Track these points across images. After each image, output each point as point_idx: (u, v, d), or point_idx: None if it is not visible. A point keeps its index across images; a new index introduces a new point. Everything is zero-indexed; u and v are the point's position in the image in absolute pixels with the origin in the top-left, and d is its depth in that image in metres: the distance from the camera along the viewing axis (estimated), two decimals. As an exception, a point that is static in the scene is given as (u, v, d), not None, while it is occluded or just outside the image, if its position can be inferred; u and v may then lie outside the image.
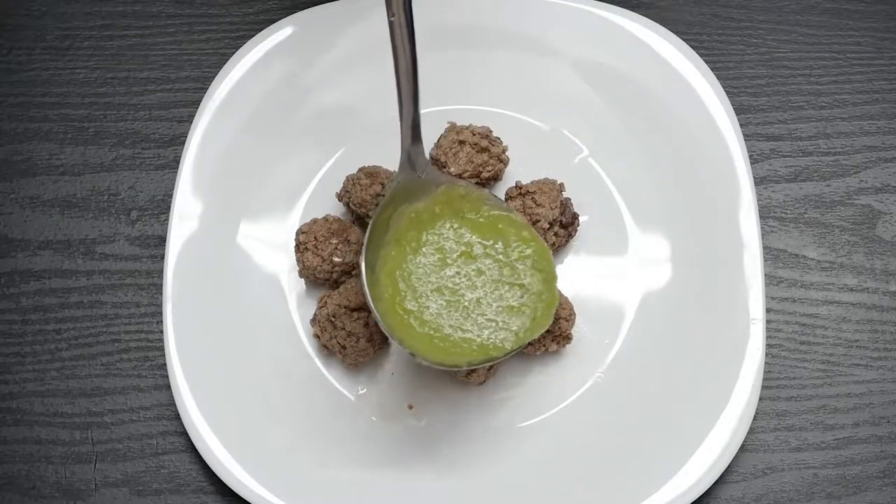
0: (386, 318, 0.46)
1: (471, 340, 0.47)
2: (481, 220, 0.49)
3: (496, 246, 0.49)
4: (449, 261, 0.48)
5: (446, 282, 0.48)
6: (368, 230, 0.47)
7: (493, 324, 0.47)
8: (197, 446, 0.53)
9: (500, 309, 0.47)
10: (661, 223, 0.58)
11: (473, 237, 0.49)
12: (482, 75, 0.61)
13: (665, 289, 0.56)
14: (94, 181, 0.61)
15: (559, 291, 0.54)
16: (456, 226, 0.49)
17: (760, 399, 0.54)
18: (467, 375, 0.53)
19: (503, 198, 0.57)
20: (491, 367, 0.53)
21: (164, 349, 0.55)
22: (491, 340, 0.47)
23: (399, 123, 0.49)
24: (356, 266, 0.50)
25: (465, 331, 0.47)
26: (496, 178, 0.58)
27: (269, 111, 0.60)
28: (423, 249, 0.48)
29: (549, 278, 0.49)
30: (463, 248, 0.49)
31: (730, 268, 0.55)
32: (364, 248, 0.47)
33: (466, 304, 0.47)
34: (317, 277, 0.55)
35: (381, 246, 0.48)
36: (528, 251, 0.49)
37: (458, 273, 0.48)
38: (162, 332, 0.56)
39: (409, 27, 0.47)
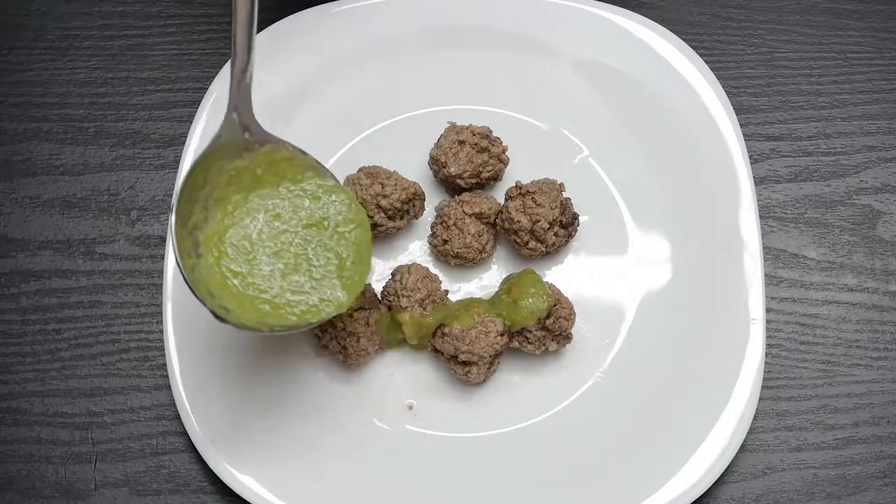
0: (198, 275, 0.45)
1: (296, 304, 0.46)
2: (309, 187, 0.49)
3: (326, 213, 0.49)
4: (284, 226, 0.48)
5: (282, 246, 0.47)
6: (182, 180, 0.46)
7: (323, 290, 0.47)
8: (197, 446, 0.53)
9: (327, 276, 0.47)
10: (661, 223, 0.58)
11: (306, 203, 0.48)
12: (482, 75, 0.61)
13: (665, 289, 0.56)
14: (94, 181, 0.61)
15: (559, 290, 0.54)
16: (289, 192, 0.48)
17: (760, 399, 0.54)
18: (466, 375, 0.53)
19: (503, 198, 0.57)
20: (491, 366, 0.53)
21: (164, 349, 0.55)
22: (315, 307, 0.47)
23: (230, 73, 0.47)
24: None
25: (296, 293, 0.47)
26: (496, 178, 0.58)
27: (269, 111, 0.60)
28: (257, 214, 0.47)
29: (364, 255, 0.49)
30: (296, 213, 0.48)
31: (730, 268, 0.55)
32: (176, 198, 0.45)
33: (304, 268, 0.47)
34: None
35: (195, 200, 0.46)
36: (351, 223, 0.49)
37: (294, 238, 0.48)
38: (162, 332, 0.56)
39: None
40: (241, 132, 0.48)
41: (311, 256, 0.48)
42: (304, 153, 0.49)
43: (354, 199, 0.50)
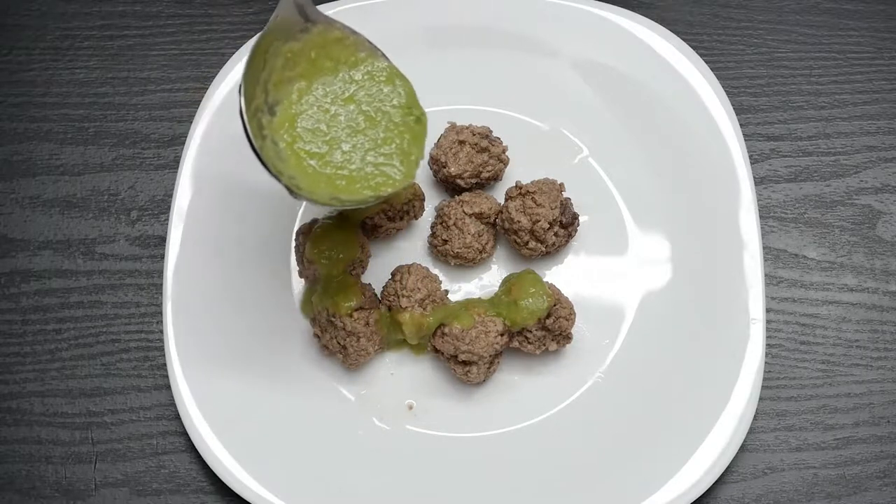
0: (266, 155, 0.47)
1: (372, 177, 0.48)
2: (368, 68, 0.51)
3: (382, 91, 0.51)
4: (365, 107, 0.50)
5: (366, 124, 0.49)
6: (247, 61, 0.47)
7: (388, 163, 0.49)
8: (197, 446, 0.53)
9: (393, 149, 0.49)
10: (661, 223, 0.58)
11: (381, 88, 0.50)
12: (482, 75, 0.61)
13: (665, 289, 0.56)
14: (94, 181, 0.61)
15: (559, 290, 0.54)
16: (351, 78, 0.50)
17: (760, 399, 0.54)
18: (466, 374, 0.53)
19: (503, 198, 0.57)
20: (491, 366, 0.53)
21: (164, 349, 0.55)
22: (391, 178, 0.49)
23: None
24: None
25: (380, 165, 0.49)
26: (496, 178, 0.58)
27: (269, 111, 0.60)
28: (326, 100, 0.49)
29: (421, 129, 0.50)
30: (370, 93, 0.50)
31: (730, 268, 0.55)
32: (243, 80, 0.46)
33: (395, 142, 0.49)
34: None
35: (256, 82, 0.48)
36: (405, 99, 0.51)
37: (377, 116, 0.50)
38: (162, 332, 0.56)
39: None
40: (297, 12, 0.49)
41: (402, 131, 0.50)
42: (354, 32, 0.51)
43: (409, 84, 0.51)
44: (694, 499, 0.51)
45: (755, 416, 0.53)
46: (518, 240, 0.55)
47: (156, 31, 0.66)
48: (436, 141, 0.58)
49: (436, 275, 0.56)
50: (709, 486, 0.51)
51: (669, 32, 0.61)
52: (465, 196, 0.57)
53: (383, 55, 0.51)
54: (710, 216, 0.57)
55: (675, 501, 0.50)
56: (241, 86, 0.46)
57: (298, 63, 0.49)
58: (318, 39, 0.50)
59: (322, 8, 0.62)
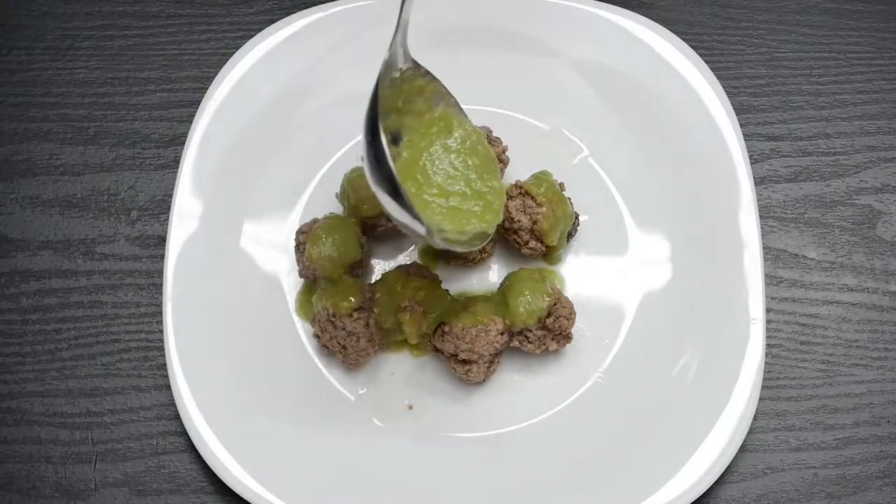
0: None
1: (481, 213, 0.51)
2: (459, 130, 0.52)
3: (466, 138, 0.52)
4: (447, 153, 0.52)
5: (457, 170, 0.51)
6: (371, 107, 0.45)
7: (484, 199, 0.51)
8: (197, 446, 0.53)
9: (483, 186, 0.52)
10: (661, 223, 0.58)
11: (458, 132, 0.52)
12: (482, 75, 0.61)
13: (665, 289, 0.56)
14: (94, 181, 0.61)
15: (559, 290, 0.54)
16: (440, 124, 0.52)
17: (760, 399, 0.54)
18: (466, 373, 0.53)
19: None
20: (491, 365, 0.53)
21: (164, 349, 0.55)
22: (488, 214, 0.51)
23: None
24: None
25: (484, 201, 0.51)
26: (496, 178, 0.58)
27: (269, 111, 0.60)
28: (426, 148, 0.51)
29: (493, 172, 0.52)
30: (450, 141, 0.52)
31: (730, 268, 0.55)
32: (377, 119, 0.45)
33: (475, 186, 0.51)
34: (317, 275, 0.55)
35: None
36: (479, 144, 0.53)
37: (461, 162, 0.52)
38: (162, 332, 0.56)
39: None
40: (401, 60, 0.49)
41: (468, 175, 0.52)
42: (434, 78, 0.51)
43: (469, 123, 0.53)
44: (694, 499, 0.51)
45: (755, 416, 0.53)
46: (518, 240, 0.55)
47: (156, 31, 0.66)
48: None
49: (436, 275, 0.56)
50: (709, 486, 0.51)
51: (669, 32, 0.61)
52: (465, 196, 0.57)
53: (453, 102, 0.52)
54: (710, 216, 0.57)
55: (675, 501, 0.50)
56: (379, 125, 0.44)
57: (389, 112, 0.49)
58: (407, 87, 0.50)
59: (322, 8, 0.62)
